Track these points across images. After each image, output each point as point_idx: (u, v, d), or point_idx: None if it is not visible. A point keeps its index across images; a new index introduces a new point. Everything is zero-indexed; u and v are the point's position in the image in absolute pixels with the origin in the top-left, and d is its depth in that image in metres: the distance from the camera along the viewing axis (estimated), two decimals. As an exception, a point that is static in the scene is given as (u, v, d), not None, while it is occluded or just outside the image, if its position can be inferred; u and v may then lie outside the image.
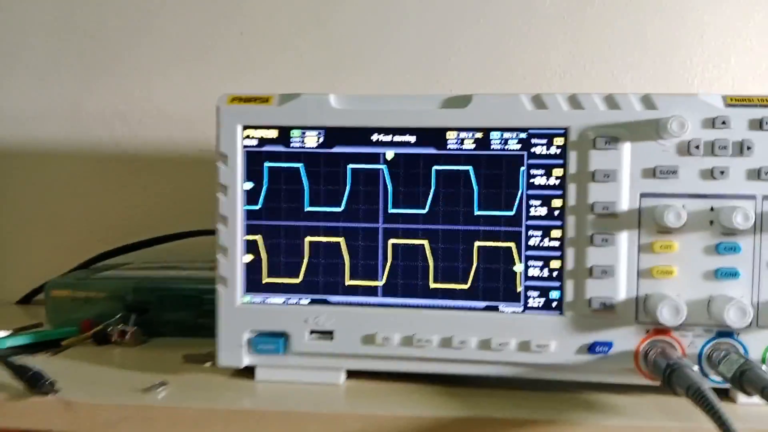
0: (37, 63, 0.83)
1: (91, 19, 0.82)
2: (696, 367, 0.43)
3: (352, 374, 0.50)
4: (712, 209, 0.45)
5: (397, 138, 0.48)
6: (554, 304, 0.47)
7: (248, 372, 0.51)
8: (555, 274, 0.47)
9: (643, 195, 0.45)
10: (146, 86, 0.81)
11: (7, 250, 0.85)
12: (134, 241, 0.75)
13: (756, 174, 0.45)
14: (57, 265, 0.77)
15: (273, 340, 0.49)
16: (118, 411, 0.45)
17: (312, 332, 0.49)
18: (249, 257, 0.50)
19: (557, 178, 0.46)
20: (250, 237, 0.49)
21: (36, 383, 0.47)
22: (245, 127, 0.49)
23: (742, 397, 0.45)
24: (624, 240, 0.45)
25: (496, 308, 0.48)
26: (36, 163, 0.83)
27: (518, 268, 0.47)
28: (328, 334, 0.49)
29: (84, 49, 0.82)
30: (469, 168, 0.47)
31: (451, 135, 0.47)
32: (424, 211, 0.48)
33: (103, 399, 0.46)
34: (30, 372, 0.48)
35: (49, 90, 0.82)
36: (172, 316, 0.62)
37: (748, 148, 0.44)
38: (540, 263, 0.47)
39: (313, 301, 0.49)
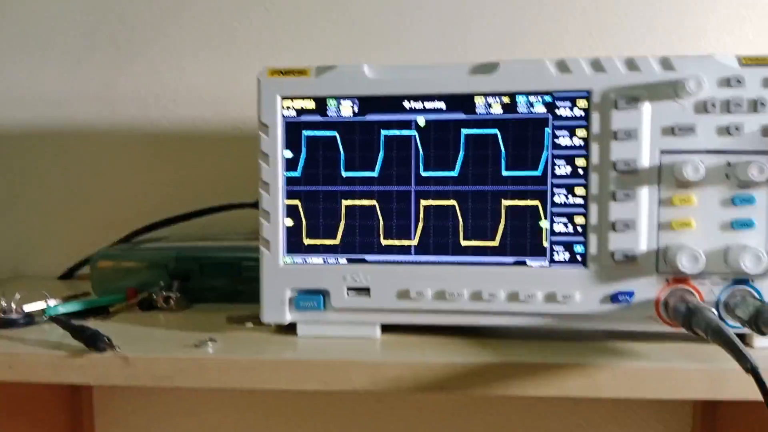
0: (72, 48, 0.86)
1: (122, 4, 0.85)
2: (714, 311, 0.46)
3: (387, 328, 0.53)
4: (728, 164, 0.47)
5: (428, 105, 0.50)
6: (579, 257, 0.50)
7: (289, 330, 0.54)
8: (579, 229, 0.50)
9: (662, 152, 0.48)
10: (178, 68, 0.84)
11: (47, 228, 0.88)
12: (171, 216, 0.79)
13: (770, 129, 0.47)
14: (94, 241, 0.80)
15: (313, 298, 0.52)
16: (174, 364, 0.49)
17: (350, 289, 0.52)
18: (290, 221, 0.53)
19: (581, 138, 0.49)
20: (291, 202, 0.52)
21: (95, 341, 0.50)
22: (284, 98, 0.52)
23: (758, 341, 0.49)
24: (645, 195, 0.48)
25: (523, 263, 0.50)
26: (72, 143, 0.86)
27: (544, 224, 0.50)
28: (365, 291, 0.52)
29: (116, 33, 0.85)
30: (497, 131, 0.50)
31: (479, 100, 0.50)
32: (454, 174, 0.51)
33: (158, 354, 0.50)
34: (88, 331, 0.51)
35: (84, 73, 0.85)
36: (212, 283, 0.66)
37: (762, 105, 0.47)
38: (565, 219, 0.50)
39: (350, 261, 0.52)
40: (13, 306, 0.59)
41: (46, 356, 0.51)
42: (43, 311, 0.60)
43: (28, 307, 0.61)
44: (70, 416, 0.83)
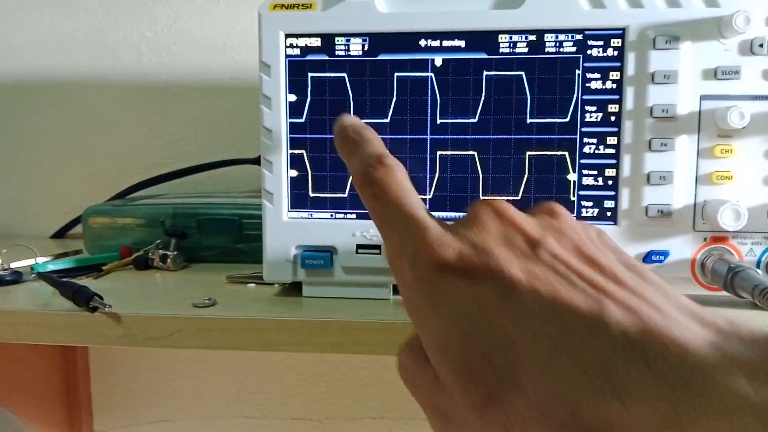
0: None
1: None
2: (758, 271, 0.42)
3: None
4: (775, 111, 0.43)
5: (446, 43, 0.46)
6: (608, 213, 0.46)
7: (294, 291, 0.51)
8: (610, 182, 0.46)
9: (703, 97, 0.44)
10: (174, 12, 0.79)
11: (37, 184, 0.84)
12: (166, 172, 0.74)
13: (824, 73, 0.43)
14: (88, 197, 0.76)
15: (320, 255, 0.48)
16: (171, 323, 0.45)
17: (359, 247, 0.48)
18: (294, 172, 0.49)
19: (614, 81, 0.45)
20: (295, 151, 0.48)
21: (84, 298, 0.46)
22: (288, 36, 0.47)
23: (802, 305, 0.45)
24: (683, 144, 0.44)
25: (548, 219, 0.46)
26: (63, 93, 0.82)
27: (572, 177, 0.46)
28: (376, 249, 0.48)
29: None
30: (522, 73, 0.45)
31: (503, 38, 0.45)
32: (474, 121, 0.46)
33: (154, 313, 0.46)
34: (76, 287, 0.48)
35: (76, 19, 0.81)
36: (211, 241, 0.62)
37: (816, 45, 0.43)
38: (594, 172, 0.46)
39: (360, 216, 0.48)
40: (0, 263, 0.56)
41: (33, 315, 0.47)
42: (31, 268, 0.56)
43: (16, 264, 0.57)
44: (65, 382, 0.80)
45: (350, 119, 0.38)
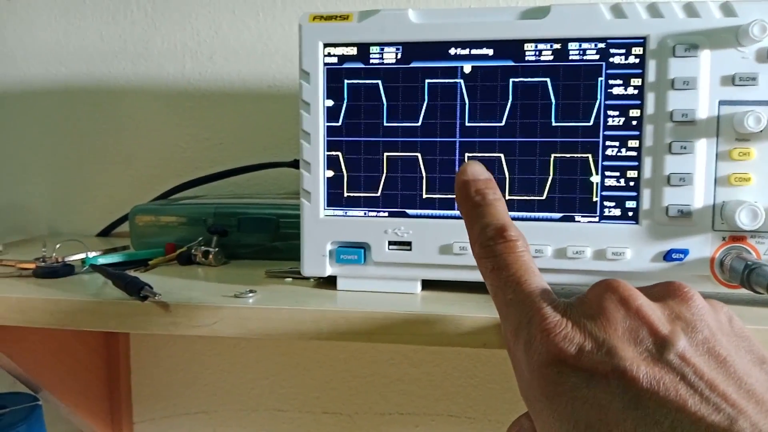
0: (107, 3, 0.86)
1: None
2: (775, 269, 0.44)
3: (427, 285, 0.52)
4: (792, 116, 0.45)
5: (475, 51, 0.49)
6: (630, 213, 0.48)
7: (329, 284, 0.54)
8: (632, 183, 0.48)
9: (721, 102, 0.46)
10: (215, 23, 0.83)
11: (81, 186, 0.89)
12: (205, 174, 0.78)
13: (839, 79, 0.44)
14: (130, 199, 0.80)
15: (354, 251, 0.51)
16: (214, 312, 0.48)
17: (391, 243, 0.51)
18: (330, 172, 0.52)
19: (635, 87, 0.47)
20: (331, 153, 0.51)
21: (135, 288, 0.50)
22: (326, 45, 0.50)
23: (818, 303, 0.46)
24: (702, 147, 0.46)
25: (572, 218, 0.49)
26: (109, 100, 0.86)
27: (595, 178, 0.48)
28: (406, 245, 0.51)
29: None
30: (547, 79, 0.48)
31: (529, 47, 0.48)
32: (501, 124, 0.49)
33: (198, 303, 0.49)
34: (129, 278, 0.51)
35: (120, 30, 0.85)
36: (250, 239, 0.65)
37: (832, 53, 0.44)
38: (617, 173, 0.48)
39: (392, 214, 0.51)
40: (54, 256, 0.60)
41: (86, 303, 0.51)
42: (82, 262, 0.60)
43: (68, 258, 0.61)
44: (107, 372, 0.84)
45: (473, 169, 0.35)
